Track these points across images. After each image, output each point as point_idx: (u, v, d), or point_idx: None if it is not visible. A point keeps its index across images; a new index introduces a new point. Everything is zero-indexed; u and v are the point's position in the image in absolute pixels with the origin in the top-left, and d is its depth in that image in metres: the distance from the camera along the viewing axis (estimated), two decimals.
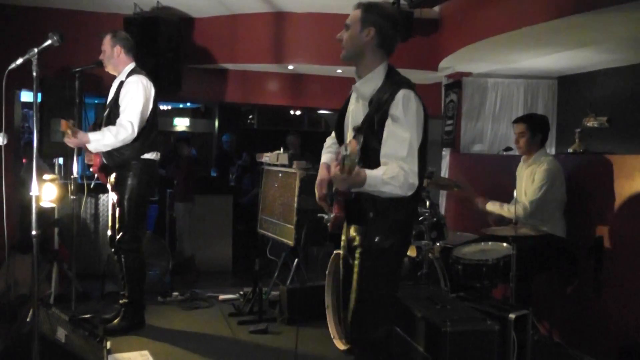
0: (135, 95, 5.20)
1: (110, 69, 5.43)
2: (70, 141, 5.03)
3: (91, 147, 5.12)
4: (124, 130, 5.10)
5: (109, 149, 5.20)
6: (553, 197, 5.08)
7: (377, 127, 3.05)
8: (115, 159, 5.27)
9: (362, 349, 3.28)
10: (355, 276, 3.19)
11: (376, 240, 3.12)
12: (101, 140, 5.08)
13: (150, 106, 5.30)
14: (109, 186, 5.48)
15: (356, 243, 3.20)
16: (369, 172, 2.86)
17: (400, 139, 2.99)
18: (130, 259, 5.35)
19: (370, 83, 3.19)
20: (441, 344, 3.65)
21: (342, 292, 3.48)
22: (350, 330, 3.25)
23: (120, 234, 5.33)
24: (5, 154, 3.76)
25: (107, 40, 5.38)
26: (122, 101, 5.22)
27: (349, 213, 3.17)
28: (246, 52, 7.83)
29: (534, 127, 5.28)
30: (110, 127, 5.14)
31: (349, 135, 3.24)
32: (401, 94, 3.03)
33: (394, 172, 2.91)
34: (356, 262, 3.19)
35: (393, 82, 3.12)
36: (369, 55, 3.21)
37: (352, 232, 3.24)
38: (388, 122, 3.03)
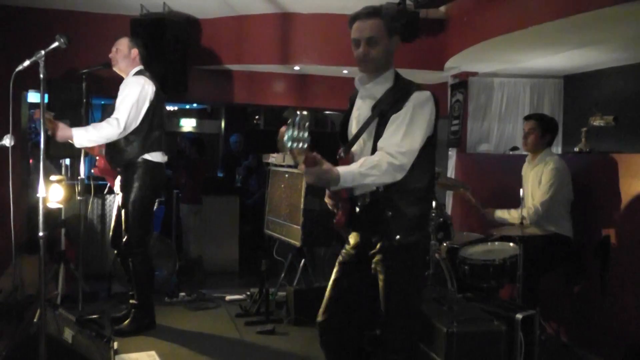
0: (127, 93, 5.21)
1: (120, 69, 5.43)
2: (56, 135, 5.00)
3: (76, 142, 5.04)
4: (107, 125, 5.09)
5: (93, 144, 5.20)
6: (560, 197, 5.07)
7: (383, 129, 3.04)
8: (116, 159, 5.29)
9: (399, 355, 3.14)
10: (381, 283, 3.11)
11: (397, 238, 3.06)
12: (84, 136, 5.03)
13: (146, 105, 5.26)
14: (115, 188, 5.50)
15: (376, 250, 3.14)
16: (343, 169, 2.80)
17: (398, 126, 2.97)
18: (137, 262, 5.36)
19: (380, 85, 3.15)
20: (448, 344, 3.65)
21: (333, 297, 3.33)
22: (383, 339, 3.15)
23: (126, 237, 5.34)
24: (13, 155, 3.78)
25: (125, 41, 5.42)
26: (117, 100, 5.24)
27: (365, 218, 3.15)
28: (252, 53, 7.83)
29: (544, 126, 5.29)
30: (96, 124, 5.17)
31: (359, 141, 3.20)
32: (417, 93, 3.02)
33: (373, 161, 2.88)
34: (378, 268, 3.13)
35: (403, 86, 3.10)
36: (390, 62, 3.19)
37: (372, 238, 3.17)
38: (395, 114, 3.01)
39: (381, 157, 2.89)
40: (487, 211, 5.55)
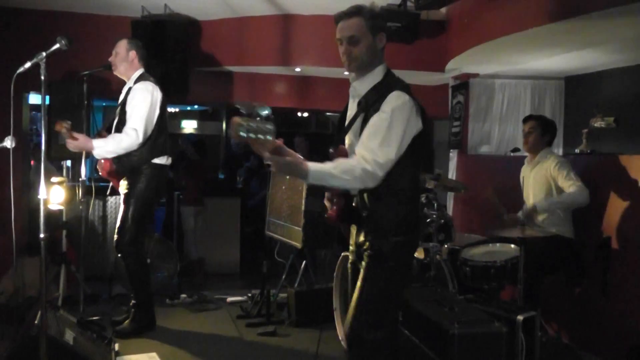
0: (140, 102, 5.23)
1: (120, 72, 5.44)
2: (71, 145, 5.04)
3: (95, 153, 5.16)
4: (127, 137, 5.15)
5: (112, 155, 5.23)
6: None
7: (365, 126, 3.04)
8: (125, 164, 5.30)
9: (358, 349, 3.18)
10: (360, 276, 3.15)
11: (378, 239, 3.08)
12: (104, 147, 5.13)
13: (157, 111, 5.31)
14: (120, 190, 5.50)
15: (365, 247, 3.15)
16: (314, 165, 2.81)
17: (377, 130, 2.95)
18: (130, 261, 5.37)
19: (367, 82, 3.16)
20: (449, 346, 3.64)
21: (351, 296, 3.44)
22: (349, 329, 3.18)
23: (119, 236, 5.35)
24: (14, 157, 3.78)
25: (123, 43, 5.42)
26: (128, 107, 5.26)
27: (349, 215, 3.17)
28: (253, 55, 7.83)
29: (543, 125, 5.28)
30: (115, 135, 5.22)
31: (347, 139, 3.23)
32: (394, 93, 3.00)
33: (348, 165, 2.89)
34: (363, 263, 3.16)
35: (388, 83, 3.10)
36: (376, 60, 3.18)
37: (361, 237, 3.19)
38: (374, 115, 3.00)
39: (357, 163, 2.90)
40: (511, 216, 5.36)
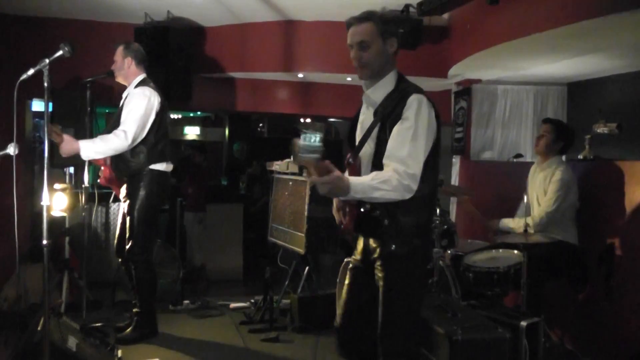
0: (135, 106, 5.18)
1: (120, 80, 5.45)
2: (60, 147, 4.98)
3: (82, 154, 5.00)
4: (115, 138, 5.06)
5: (100, 156, 5.18)
6: (566, 204, 5.05)
7: (388, 133, 3.02)
8: (122, 169, 5.28)
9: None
10: (380, 289, 3.12)
11: (394, 247, 3.06)
12: (92, 147, 5.00)
13: (153, 117, 5.25)
14: (121, 197, 5.49)
15: (375, 255, 3.14)
16: (354, 179, 2.82)
17: (403, 139, 2.95)
18: (140, 270, 5.34)
19: (380, 90, 3.16)
20: (452, 352, 3.64)
21: (348, 302, 3.36)
22: (382, 344, 3.12)
23: (130, 244, 5.33)
24: (17, 164, 3.79)
25: (119, 51, 5.40)
26: (124, 112, 5.23)
27: (364, 225, 3.15)
28: (256, 61, 7.85)
29: (558, 131, 5.25)
30: (103, 135, 5.14)
31: (365, 148, 3.20)
32: (413, 97, 3.00)
33: (385, 176, 2.88)
34: (379, 274, 3.13)
35: (403, 89, 3.09)
36: (388, 65, 3.18)
37: (372, 244, 3.18)
38: (397, 123, 2.99)
39: (392, 175, 2.88)
40: (492, 222, 5.50)
